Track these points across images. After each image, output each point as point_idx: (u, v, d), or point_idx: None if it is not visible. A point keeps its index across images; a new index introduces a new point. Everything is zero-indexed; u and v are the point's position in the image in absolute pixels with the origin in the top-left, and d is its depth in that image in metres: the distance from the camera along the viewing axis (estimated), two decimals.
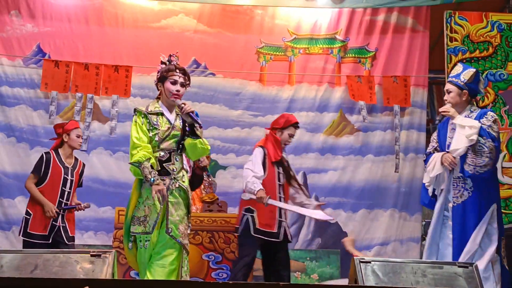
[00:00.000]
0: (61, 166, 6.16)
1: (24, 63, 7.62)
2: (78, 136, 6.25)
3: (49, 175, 6.11)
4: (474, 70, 5.15)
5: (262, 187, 5.70)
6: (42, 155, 6.22)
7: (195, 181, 6.18)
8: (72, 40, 7.77)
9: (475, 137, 4.88)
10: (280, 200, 5.85)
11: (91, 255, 3.61)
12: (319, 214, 5.82)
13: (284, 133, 6.00)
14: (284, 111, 7.84)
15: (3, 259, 3.52)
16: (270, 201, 5.70)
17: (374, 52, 8.04)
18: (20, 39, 7.65)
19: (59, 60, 7.53)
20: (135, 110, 4.72)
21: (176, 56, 4.83)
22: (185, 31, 7.98)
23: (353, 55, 8.08)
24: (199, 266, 6.43)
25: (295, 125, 6.08)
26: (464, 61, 6.89)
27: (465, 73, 5.10)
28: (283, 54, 8.08)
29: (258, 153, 5.93)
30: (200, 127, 4.70)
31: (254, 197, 5.69)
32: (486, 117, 4.97)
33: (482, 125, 4.91)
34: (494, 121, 4.97)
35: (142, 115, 4.66)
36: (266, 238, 5.75)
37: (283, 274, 5.82)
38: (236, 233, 5.97)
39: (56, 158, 6.18)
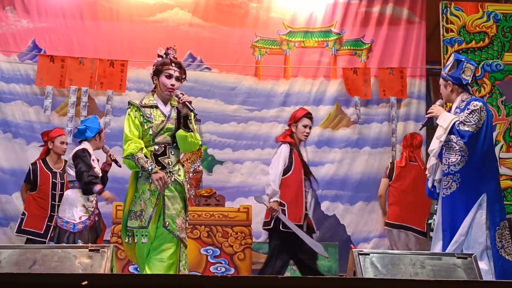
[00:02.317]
0: (48, 172, 6.68)
1: (19, 59, 7.61)
2: (62, 143, 6.71)
3: (38, 182, 6.71)
4: (454, 59, 5.14)
5: (277, 199, 5.85)
6: (30, 166, 6.79)
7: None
8: (67, 35, 7.76)
9: (443, 137, 4.94)
10: (306, 194, 5.97)
11: (90, 250, 3.61)
12: (319, 248, 5.89)
13: (299, 125, 6.03)
14: (280, 105, 7.87)
15: (2, 255, 3.52)
16: (280, 216, 5.80)
17: (370, 44, 8.03)
18: (15, 35, 7.64)
19: (54, 55, 7.51)
20: (129, 102, 4.71)
21: (173, 49, 4.81)
22: (180, 24, 7.96)
23: (349, 48, 8.07)
24: (198, 260, 6.43)
25: (308, 116, 6.10)
26: (460, 51, 6.88)
27: (449, 64, 5.15)
28: (279, 48, 8.07)
29: (283, 150, 6.01)
30: (196, 115, 4.68)
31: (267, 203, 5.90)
32: (467, 108, 4.99)
33: (456, 122, 4.93)
34: (471, 112, 4.93)
35: (135, 108, 4.65)
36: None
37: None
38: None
39: (44, 166, 6.71)
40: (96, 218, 6.28)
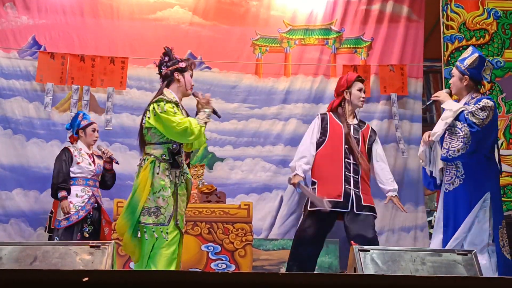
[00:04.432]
0: None
1: (19, 55, 7.59)
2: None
3: None
4: (477, 55, 5.09)
5: (299, 173, 5.47)
6: None
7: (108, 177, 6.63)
8: (67, 32, 7.73)
9: (450, 120, 4.91)
10: (349, 166, 5.47)
11: (90, 246, 3.61)
12: (320, 203, 5.37)
13: (352, 91, 5.66)
14: (280, 103, 7.86)
15: (2, 251, 3.52)
16: (300, 187, 5.41)
17: (370, 42, 8.01)
18: (15, 31, 7.61)
19: (54, 52, 7.51)
20: (160, 99, 4.64)
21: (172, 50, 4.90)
22: (180, 23, 7.95)
23: (349, 46, 8.05)
24: (198, 257, 6.44)
25: (359, 79, 5.72)
26: (461, 48, 6.88)
27: (469, 58, 5.09)
28: (279, 46, 8.06)
29: (313, 123, 5.72)
30: (219, 117, 4.89)
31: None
32: (478, 103, 4.96)
33: (464, 110, 4.91)
34: (482, 108, 4.90)
35: (172, 103, 4.64)
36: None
37: None
38: None
39: None
40: (87, 214, 6.31)
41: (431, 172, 5.18)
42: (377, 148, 5.77)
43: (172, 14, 7.94)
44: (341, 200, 5.42)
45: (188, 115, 4.86)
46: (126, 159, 7.38)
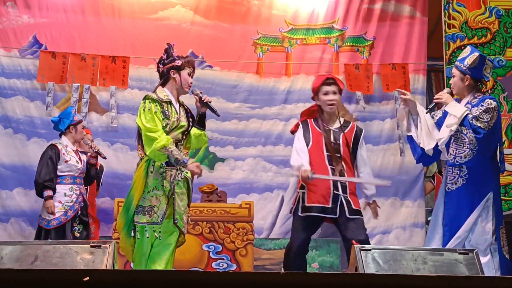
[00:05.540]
0: None
1: (20, 54, 7.59)
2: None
3: None
4: (478, 54, 5.06)
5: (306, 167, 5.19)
6: None
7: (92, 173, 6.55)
8: (68, 31, 7.73)
9: (454, 127, 4.88)
10: (334, 172, 5.25)
11: (91, 246, 3.60)
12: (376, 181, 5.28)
13: (320, 96, 5.33)
14: (281, 103, 7.84)
15: (3, 251, 3.51)
16: (315, 176, 5.16)
17: (372, 41, 7.99)
18: (16, 30, 7.61)
19: (56, 51, 7.50)
20: (146, 97, 4.66)
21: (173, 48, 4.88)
22: (182, 22, 7.94)
23: (351, 44, 8.03)
24: (199, 256, 6.44)
25: (326, 82, 5.34)
26: (463, 47, 6.86)
27: (469, 57, 5.07)
28: (280, 45, 8.04)
29: (298, 130, 5.45)
30: (219, 116, 4.90)
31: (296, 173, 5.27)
32: (481, 105, 4.94)
33: (469, 115, 4.88)
34: (486, 110, 4.86)
35: (156, 102, 4.63)
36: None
37: None
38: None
39: None
40: (76, 213, 6.30)
41: (420, 144, 5.15)
42: (361, 151, 5.51)
43: (174, 14, 7.94)
44: (329, 206, 5.26)
45: (189, 112, 4.84)
46: (127, 159, 7.39)
